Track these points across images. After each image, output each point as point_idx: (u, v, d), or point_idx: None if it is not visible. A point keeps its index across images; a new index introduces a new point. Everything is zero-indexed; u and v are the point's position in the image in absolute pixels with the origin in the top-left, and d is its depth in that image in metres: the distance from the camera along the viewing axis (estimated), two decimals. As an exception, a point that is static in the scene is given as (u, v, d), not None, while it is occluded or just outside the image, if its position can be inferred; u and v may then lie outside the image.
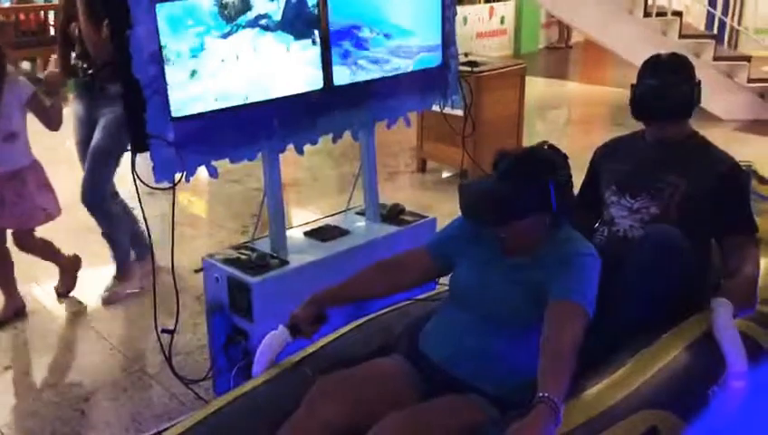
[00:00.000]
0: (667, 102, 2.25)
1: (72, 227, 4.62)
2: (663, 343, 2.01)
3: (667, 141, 2.31)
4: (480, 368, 1.84)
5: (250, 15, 2.31)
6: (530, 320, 1.82)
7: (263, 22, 2.34)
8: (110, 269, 3.71)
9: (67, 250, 3.71)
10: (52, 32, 9.48)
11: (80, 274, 3.76)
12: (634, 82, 2.34)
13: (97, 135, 3.41)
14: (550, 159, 1.88)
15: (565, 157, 1.91)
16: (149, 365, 3.06)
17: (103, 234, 3.63)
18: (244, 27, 2.30)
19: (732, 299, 2.07)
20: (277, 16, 2.37)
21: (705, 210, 2.21)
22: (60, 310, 3.59)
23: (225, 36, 2.26)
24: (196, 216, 4.92)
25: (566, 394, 1.62)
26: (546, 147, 1.93)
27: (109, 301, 3.59)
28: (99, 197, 3.46)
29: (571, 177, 1.90)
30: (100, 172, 3.43)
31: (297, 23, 2.43)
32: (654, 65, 2.31)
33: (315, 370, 1.97)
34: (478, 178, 1.92)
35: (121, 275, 3.68)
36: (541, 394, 1.56)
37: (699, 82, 2.30)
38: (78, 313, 3.55)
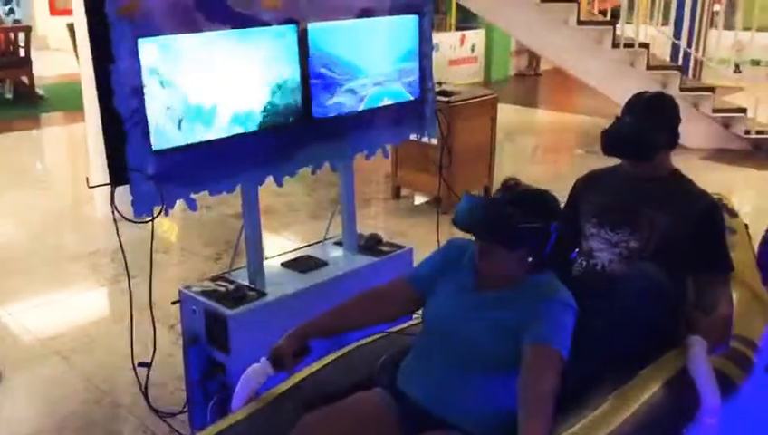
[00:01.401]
0: (631, 143, 2.27)
1: (43, 254, 4.58)
2: (641, 380, 2.03)
3: (647, 177, 2.33)
4: (459, 407, 1.85)
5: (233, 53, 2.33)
6: (500, 357, 1.83)
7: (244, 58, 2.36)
8: (79, 300, 3.66)
9: (38, 277, 3.66)
10: (22, 53, 9.42)
11: (54, 301, 3.69)
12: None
13: None
14: (556, 207, 1.94)
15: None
16: (123, 398, 3.02)
17: None
18: (226, 65, 2.32)
19: (706, 337, 2.10)
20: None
21: (683, 247, 2.23)
22: (31, 339, 3.53)
23: (206, 69, 2.27)
24: (169, 242, 4.89)
25: None
26: (552, 196, 1.97)
27: None
28: None
29: (561, 227, 1.93)
30: None
31: (279, 58, 2.45)
32: (633, 104, 2.33)
33: (297, 404, 1.96)
34: (482, 197, 1.95)
35: None
36: None
37: (678, 122, 2.32)
38: (49, 341, 3.49)
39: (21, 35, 9.41)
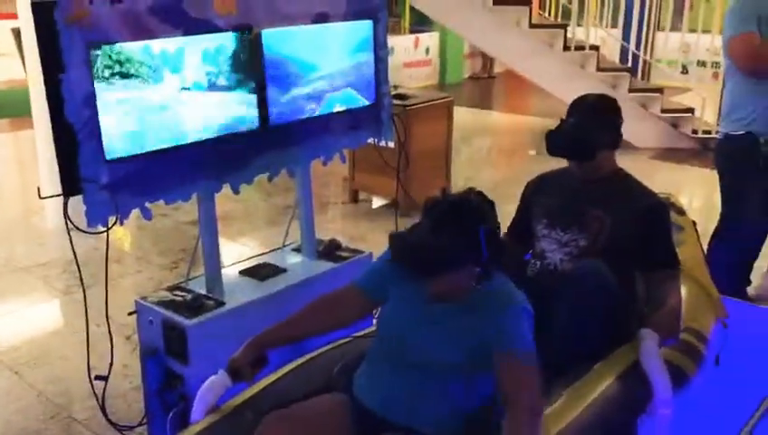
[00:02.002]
0: (572, 143, 2.33)
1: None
2: (595, 375, 2.09)
3: (593, 177, 2.39)
4: (415, 411, 1.86)
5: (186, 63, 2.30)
6: (455, 365, 1.84)
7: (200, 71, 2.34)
8: (30, 313, 3.57)
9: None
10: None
11: (5, 314, 3.60)
12: (554, 111, 2.43)
13: None
14: (479, 209, 1.85)
15: (492, 204, 1.89)
16: (79, 412, 2.95)
17: None
18: (180, 72, 2.29)
19: (657, 330, 2.18)
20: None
21: (630, 244, 2.29)
22: (-21, 355, 3.44)
23: (159, 80, 2.24)
24: (123, 251, 4.79)
25: None
26: (474, 194, 1.90)
27: None
28: None
29: (499, 225, 1.89)
30: None
31: (234, 66, 2.43)
32: (576, 105, 2.40)
33: (257, 414, 1.95)
34: (410, 229, 1.86)
35: None
36: None
37: (621, 123, 2.38)
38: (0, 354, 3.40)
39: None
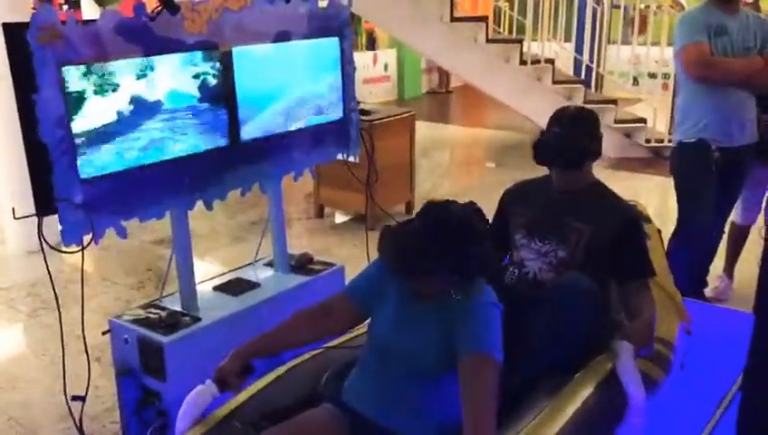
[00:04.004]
0: (563, 151, 2.39)
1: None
2: (575, 384, 2.13)
3: (572, 188, 2.44)
4: (404, 416, 1.91)
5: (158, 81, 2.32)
6: (440, 364, 1.89)
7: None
8: (2, 334, 3.51)
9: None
10: None
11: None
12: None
13: None
14: (473, 226, 1.89)
15: (487, 222, 1.95)
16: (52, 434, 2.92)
17: None
18: (151, 90, 2.31)
19: (632, 341, 2.22)
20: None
21: (607, 255, 2.34)
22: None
23: (131, 98, 2.26)
24: (87, 272, 4.74)
25: None
26: (472, 209, 1.94)
27: None
28: None
29: (488, 244, 1.93)
30: None
31: (205, 84, 2.47)
32: (559, 116, 2.45)
33: (245, 423, 1.97)
34: (403, 226, 1.90)
35: None
36: None
37: (601, 135, 2.45)
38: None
39: None
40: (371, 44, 11.91)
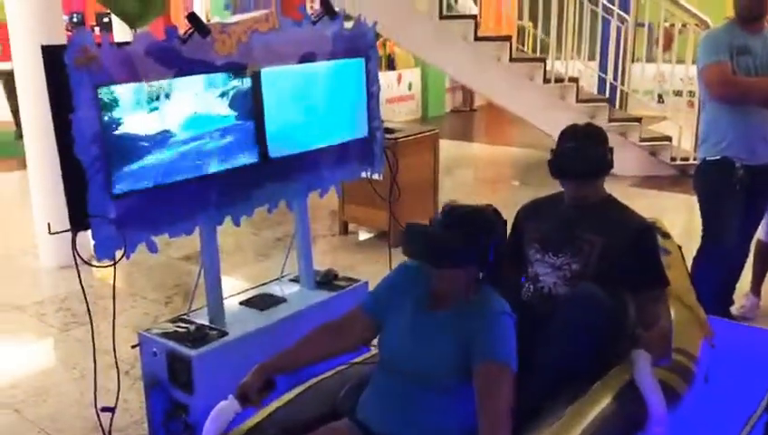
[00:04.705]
0: (582, 162, 2.44)
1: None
2: (594, 394, 2.14)
3: (584, 202, 2.48)
4: (418, 429, 1.93)
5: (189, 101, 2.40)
6: (454, 375, 1.92)
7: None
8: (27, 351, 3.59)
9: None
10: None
11: (1, 353, 3.62)
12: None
13: None
14: (493, 222, 2.04)
15: (505, 222, 2.08)
16: (81, 447, 2.99)
17: None
18: (182, 109, 2.38)
19: (650, 350, 2.25)
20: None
21: (621, 267, 2.37)
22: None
23: (163, 117, 2.33)
24: (117, 288, 4.82)
25: None
26: (491, 209, 2.08)
27: None
28: None
29: (505, 241, 2.07)
30: None
31: (235, 103, 2.54)
32: (572, 132, 2.51)
33: (267, 435, 2.01)
34: (424, 224, 2.06)
35: None
36: None
37: (612, 149, 2.50)
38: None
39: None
40: (390, 65, 12.01)
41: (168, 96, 2.34)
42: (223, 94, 2.51)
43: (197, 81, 2.42)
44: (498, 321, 1.95)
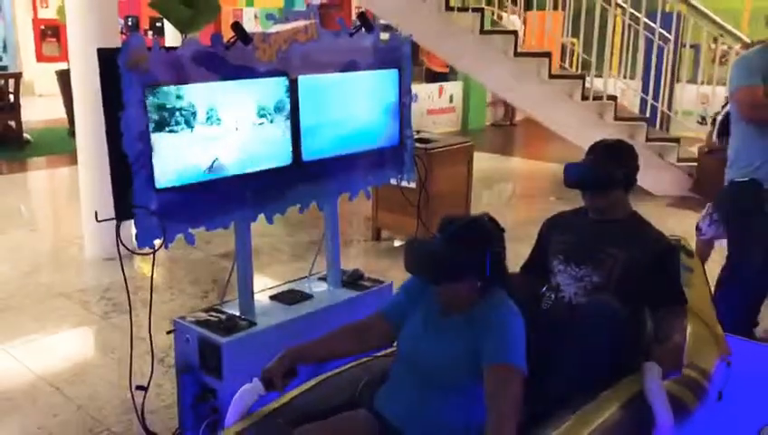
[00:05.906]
0: (588, 175, 2.53)
1: (33, 293, 4.73)
2: (601, 402, 2.22)
3: (608, 217, 2.56)
4: (430, 425, 2.04)
5: (229, 104, 2.56)
6: (467, 375, 2.02)
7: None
8: (70, 335, 3.79)
9: (28, 316, 3.80)
10: (11, 99, 9.61)
11: (47, 337, 3.83)
12: (573, 158, 2.64)
13: None
14: (489, 231, 2.10)
15: (502, 230, 2.13)
16: (116, 425, 3.16)
17: None
18: (223, 111, 2.54)
19: (661, 363, 2.31)
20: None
21: (640, 282, 2.45)
22: (26, 372, 3.67)
23: (205, 118, 2.49)
24: (158, 281, 5.04)
25: None
26: (487, 218, 2.14)
27: None
28: None
29: (504, 249, 2.12)
30: None
31: (272, 108, 2.70)
32: (595, 146, 2.60)
33: (285, 421, 2.14)
34: (424, 239, 2.15)
35: None
36: None
37: (637, 166, 2.57)
38: (43, 374, 3.63)
39: (11, 81, 9.61)
40: (433, 77, 12.12)
41: (210, 99, 2.50)
42: (262, 99, 2.66)
43: (239, 85, 2.58)
44: (507, 323, 2.04)
